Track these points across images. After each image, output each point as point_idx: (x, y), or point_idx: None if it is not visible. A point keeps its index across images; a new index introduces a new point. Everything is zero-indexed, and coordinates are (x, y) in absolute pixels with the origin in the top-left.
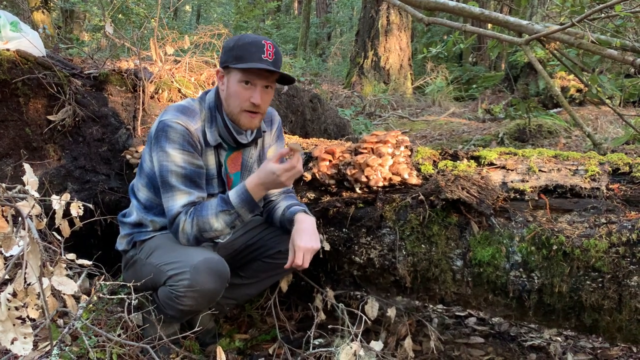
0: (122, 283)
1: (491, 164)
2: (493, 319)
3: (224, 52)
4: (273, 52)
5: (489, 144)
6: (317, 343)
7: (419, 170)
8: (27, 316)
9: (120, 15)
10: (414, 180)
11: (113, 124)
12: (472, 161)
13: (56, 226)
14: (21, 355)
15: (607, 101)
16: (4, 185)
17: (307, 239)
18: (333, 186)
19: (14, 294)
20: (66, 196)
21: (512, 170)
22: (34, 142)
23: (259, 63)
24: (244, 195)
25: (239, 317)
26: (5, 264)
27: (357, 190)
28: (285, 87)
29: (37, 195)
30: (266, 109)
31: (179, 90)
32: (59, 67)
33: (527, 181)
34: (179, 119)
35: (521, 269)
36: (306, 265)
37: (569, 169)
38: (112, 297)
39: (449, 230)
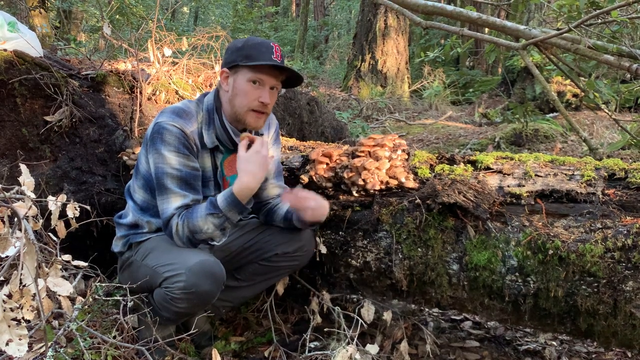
0: (117, 285)
1: (488, 168)
2: (489, 322)
3: (231, 52)
4: (280, 54)
5: (486, 148)
6: (312, 346)
7: (415, 174)
8: (22, 317)
9: (118, 16)
10: (411, 183)
11: (110, 125)
12: (469, 165)
13: (52, 227)
14: (16, 357)
15: (603, 106)
16: (0, 186)
17: (314, 204)
18: (330, 189)
19: (10, 295)
20: (62, 197)
21: (508, 175)
22: (30, 142)
23: (270, 61)
24: (230, 198)
25: (235, 319)
26: (0, 265)
27: (354, 193)
28: (283, 90)
29: (33, 196)
30: (271, 110)
31: (177, 92)
32: (56, 68)
33: (524, 186)
34: (175, 121)
35: (517, 273)
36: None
37: (565, 174)
38: (108, 298)
39: (445, 234)
